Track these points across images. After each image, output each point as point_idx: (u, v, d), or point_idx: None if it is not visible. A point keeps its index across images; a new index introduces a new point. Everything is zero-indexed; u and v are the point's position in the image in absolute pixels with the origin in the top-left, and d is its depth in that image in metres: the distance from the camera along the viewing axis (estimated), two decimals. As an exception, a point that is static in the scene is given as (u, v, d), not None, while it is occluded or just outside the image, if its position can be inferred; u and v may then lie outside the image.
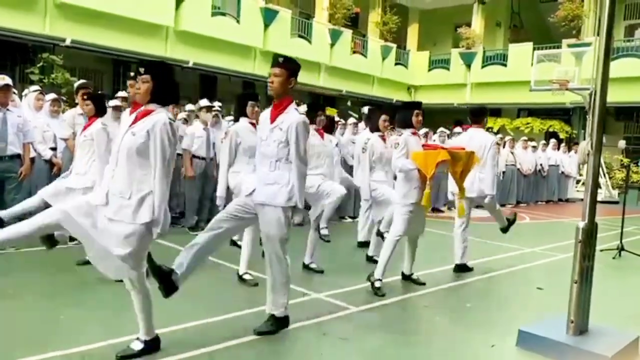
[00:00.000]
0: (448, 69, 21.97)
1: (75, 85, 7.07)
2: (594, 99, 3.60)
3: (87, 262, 3.76)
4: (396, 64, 21.79)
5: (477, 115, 5.93)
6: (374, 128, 5.93)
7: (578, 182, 15.62)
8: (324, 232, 5.39)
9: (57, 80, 10.28)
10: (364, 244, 6.60)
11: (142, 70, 3.10)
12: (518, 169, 13.39)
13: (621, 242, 7.04)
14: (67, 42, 12.19)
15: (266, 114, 3.76)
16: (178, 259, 3.47)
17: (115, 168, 3.02)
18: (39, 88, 7.02)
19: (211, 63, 14.90)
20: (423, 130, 9.78)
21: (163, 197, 2.97)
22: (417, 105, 5.17)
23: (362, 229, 6.85)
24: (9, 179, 5.60)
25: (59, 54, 11.46)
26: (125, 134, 3.02)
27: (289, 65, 3.62)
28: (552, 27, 18.97)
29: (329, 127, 7.38)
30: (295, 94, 20.15)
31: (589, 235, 3.60)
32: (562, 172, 15.01)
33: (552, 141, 15.47)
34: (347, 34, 19.27)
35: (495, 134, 15.09)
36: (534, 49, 18.59)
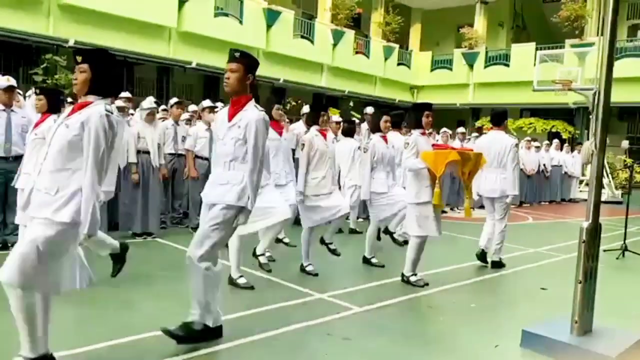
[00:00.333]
0: (451, 69, 21.97)
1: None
2: (598, 99, 3.60)
3: None
4: (399, 64, 21.80)
5: (497, 118, 6.22)
6: (375, 129, 5.94)
7: (581, 182, 15.59)
8: (332, 246, 5.65)
9: (61, 81, 10.34)
10: (355, 231, 7.75)
11: (79, 58, 2.80)
12: (521, 169, 13.36)
13: (625, 242, 7.03)
14: (71, 43, 12.24)
15: (223, 112, 3.56)
16: None
17: (43, 162, 2.76)
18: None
19: (214, 64, 14.93)
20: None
21: (91, 195, 2.67)
22: (428, 106, 5.31)
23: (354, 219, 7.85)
24: (14, 179, 5.61)
25: (62, 55, 11.52)
26: (58, 127, 2.78)
27: (246, 60, 3.39)
28: (555, 27, 18.96)
29: (350, 131, 7.46)
30: (298, 94, 20.12)
31: (593, 236, 3.59)
32: (565, 173, 14.98)
33: (555, 141, 15.45)
34: (350, 34, 19.29)
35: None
36: (537, 49, 18.59)
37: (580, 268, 3.59)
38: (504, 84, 20.07)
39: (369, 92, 20.62)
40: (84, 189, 2.68)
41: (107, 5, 12.58)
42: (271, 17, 16.53)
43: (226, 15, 15.65)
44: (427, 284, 5.16)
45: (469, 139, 11.93)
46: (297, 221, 5.92)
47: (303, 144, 5.20)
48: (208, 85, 16.62)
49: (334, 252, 5.69)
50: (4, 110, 5.62)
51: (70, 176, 2.71)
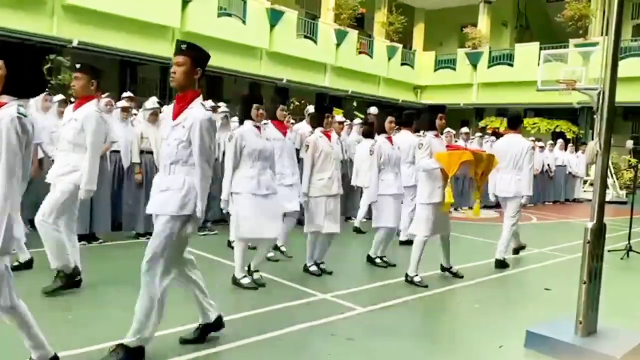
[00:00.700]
0: (454, 69, 21.94)
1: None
2: (602, 99, 3.59)
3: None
4: (402, 64, 21.79)
5: (514, 122, 6.46)
6: (380, 129, 5.93)
7: (585, 182, 15.54)
8: (323, 265, 5.43)
9: (65, 81, 10.36)
10: (359, 231, 7.82)
11: None
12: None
13: (629, 242, 7.01)
14: (75, 44, 12.28)
15: (169, 110, 3.30)
16: None
17: None
18: (47, 89, 7.05)
19: (217, 64, 14.89)
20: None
21: (2, 208, 2.37)
22: (442, 108, 5.41)
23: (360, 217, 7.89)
24: None
25: (66, 55, 11.55)
26: None
27: (194, 53, 3.10)
28: (559, 26, 18.91)
29: (370, 133, 7.43)
30: (301, 94, 20.07)
31: (598, 236, 3.58)
32: (569, 173, 14.93)
33: (559, 141, 15.39)
34: (353, 34, 19.28)
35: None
36: (541, 48, 18.54)
37: (585, 268, 3.58)
38: (507, 84, 20.04)
39: (372, 92, 20.61)
40: None
41: (111, 6, 12.61)
42: (274, 17, 16.54)
43: (229, 15, 15.66)
44: (426, 286, 5.14)
45: (473, 139, 11.85)
46: (298, 222, 5.93)
47: (307, 146, 5.19)
48: (211, 85, 16.64)
49: (323, 270, 5.38)
50: None
51: None
